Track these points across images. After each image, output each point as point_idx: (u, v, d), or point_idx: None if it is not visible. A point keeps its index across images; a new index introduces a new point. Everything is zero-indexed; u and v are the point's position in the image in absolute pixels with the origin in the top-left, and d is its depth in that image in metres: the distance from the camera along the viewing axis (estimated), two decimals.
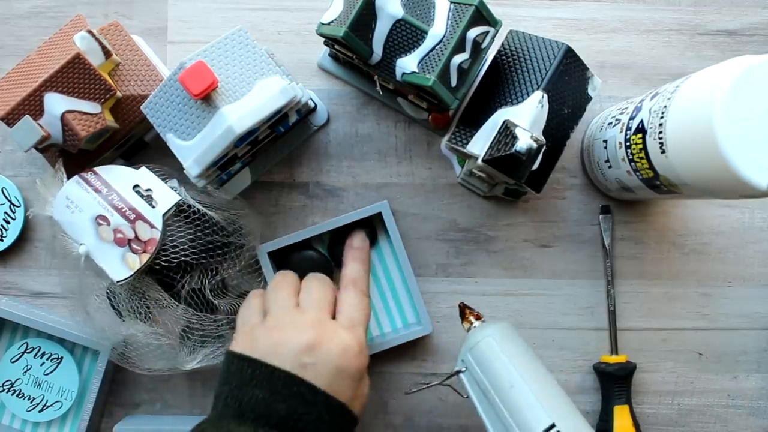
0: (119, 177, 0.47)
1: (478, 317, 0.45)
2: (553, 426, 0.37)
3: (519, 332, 0.43)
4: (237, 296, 0.50)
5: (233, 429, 0.37)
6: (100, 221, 0.45)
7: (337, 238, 0.53)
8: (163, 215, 0.46)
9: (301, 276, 0.53)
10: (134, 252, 0.45)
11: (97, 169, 0.47)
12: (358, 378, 0.41)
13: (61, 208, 0.46)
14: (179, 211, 0.47)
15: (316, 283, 0.46)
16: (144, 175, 0.47)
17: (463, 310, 0.46)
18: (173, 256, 0.46)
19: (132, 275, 0.45)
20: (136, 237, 0.45)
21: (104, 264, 0.45)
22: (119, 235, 0.45)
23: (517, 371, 0.39)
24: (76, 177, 0.46)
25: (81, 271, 0.46)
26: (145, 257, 0.45)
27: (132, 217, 0.45)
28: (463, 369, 0.43)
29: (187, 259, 0.46)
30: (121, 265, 0.45)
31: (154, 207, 0.46)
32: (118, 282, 0.45)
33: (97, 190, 0.46)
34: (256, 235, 0.51)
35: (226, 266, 0.49)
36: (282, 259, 0.53)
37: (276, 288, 0.45)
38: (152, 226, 0.45)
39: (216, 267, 0.48)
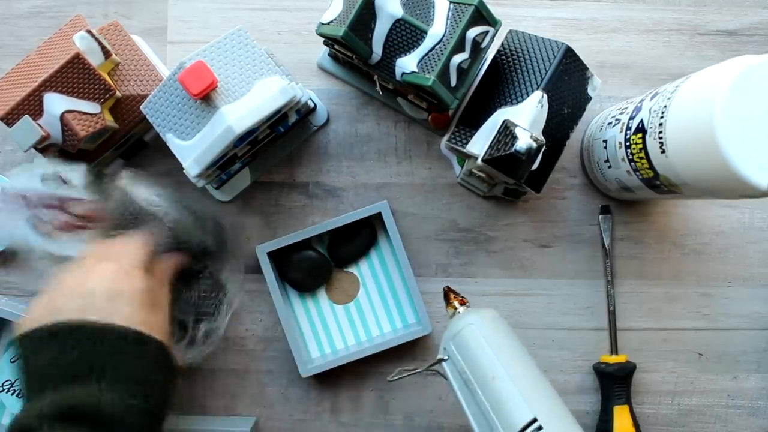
0: (24, 179, 0.45)
1: (463, 302, 0.44)
2: (534, 420, 0.35)
3: (505, 321, 0.42)
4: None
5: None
6: (38, 225, 0.44)
7: (337, 238, 0.53)
8: (85, 186, 0.44)
9: (301, 276, 0.53)
10: (85, 228, 0.44)
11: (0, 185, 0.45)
12: (141, 301, 0.39)
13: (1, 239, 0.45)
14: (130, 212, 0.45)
15: (126, 243, 0.43)
16: (42, 164, 0.45)
17: (448, 294, 0.45)
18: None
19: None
20: (76, 216, 0.44)
21: (73, 252, 0.44)
22: (57, 223, 0.44)
23: (500, 362, 0.38)
24: None
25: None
26: (104, 227, 0.44)
27: (56, 203, 0.44)
28: (445, 357, 0.41)
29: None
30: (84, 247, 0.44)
31: (67, 184, 0.44)
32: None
33: (9, 204, 0.44)
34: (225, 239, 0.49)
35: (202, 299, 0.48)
36: (282, 260, 0.53)
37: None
38: (80, 199, 0.44)
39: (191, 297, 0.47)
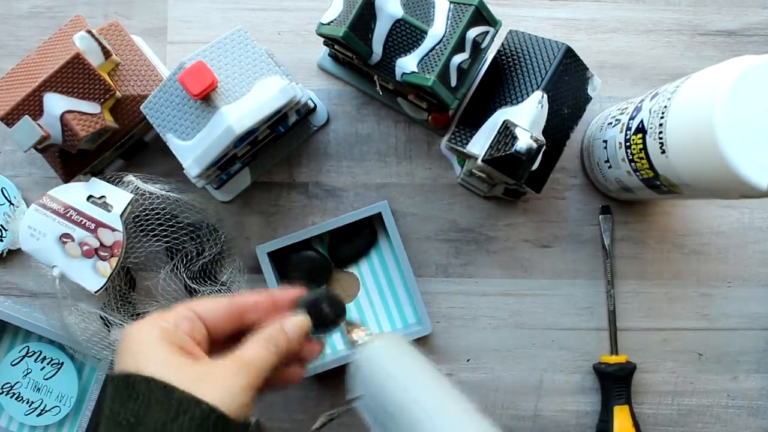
0: (73, 193, 0.47)
1: (360, 333, 0.40)
2: None
3: (407, 342, 0.39)
4: (220, 284, 0.51)
5: None
6: (65, 239, 0.46)
7: (337, 238, 0.53)
8: (120, 215, 0.46)
9: (301, 276, 0.53)
10: (103, 259, 0.46)
11: (51, 192, 0.47)
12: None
13: (27, 238, 0.46)
14: (139, 204, 0.48)
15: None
16: (95, 185, 0.48)
17: (346, 327, 0.40)
18: (140, 251, 0.47)
19: (105, 283, 0.46)
20: (102, 244, 0.46)
21: (79, 279, 0.46)
22: (86, 248, 0.46)
23: (405, 391, 0.35)
24: (33, 205, 0.47)
25: (58, 292, 0.47)
26: (114, 261, 0.46)
27: (92, 226, 0.46)
28: (356, 396, 0.37)
29: (159, 245, 0.47)
30: (94, 276, 0.46)
31: (110, 211, 0.46)
32: (95, 293, 0.46)
33: (55, 212, 0.47)
34: (222, 218, 0.52)
35: (201, 250, 0.49)
36: (282, 260, 0.53)
37: None
38: (113, 230, 0.46)
39: (191, 251, 0.49)
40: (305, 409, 0.54)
